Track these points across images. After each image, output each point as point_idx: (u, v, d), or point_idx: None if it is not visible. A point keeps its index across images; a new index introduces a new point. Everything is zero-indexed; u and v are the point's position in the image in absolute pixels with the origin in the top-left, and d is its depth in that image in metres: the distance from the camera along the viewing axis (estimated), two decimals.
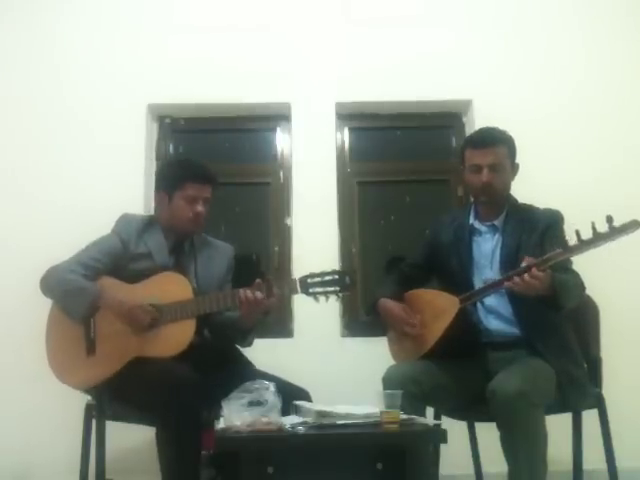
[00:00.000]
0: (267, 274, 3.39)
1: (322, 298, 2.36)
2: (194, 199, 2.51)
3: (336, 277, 2.37)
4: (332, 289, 2.36)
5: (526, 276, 2.13)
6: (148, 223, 2.60)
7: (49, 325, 2.49)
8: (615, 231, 2.06)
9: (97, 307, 2.40)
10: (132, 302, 2.37)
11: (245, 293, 2.34)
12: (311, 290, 2.36)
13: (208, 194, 2.55)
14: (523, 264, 2.17)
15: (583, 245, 2.11)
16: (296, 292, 2.38)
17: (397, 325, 2.46)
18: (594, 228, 2.07)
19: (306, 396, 2.43)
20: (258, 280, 2.37)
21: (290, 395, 2.32)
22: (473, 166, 2.44)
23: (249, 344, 2.57)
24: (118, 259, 2.50)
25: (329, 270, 2.38)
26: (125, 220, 2.59)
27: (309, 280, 2.36)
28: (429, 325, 2.39)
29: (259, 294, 2.34)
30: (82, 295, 2.40)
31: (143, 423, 2.37)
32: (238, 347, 2.59)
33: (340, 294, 2.38)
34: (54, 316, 2.48)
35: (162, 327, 2.36)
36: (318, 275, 2.37)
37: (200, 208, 2.51)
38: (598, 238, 2.08)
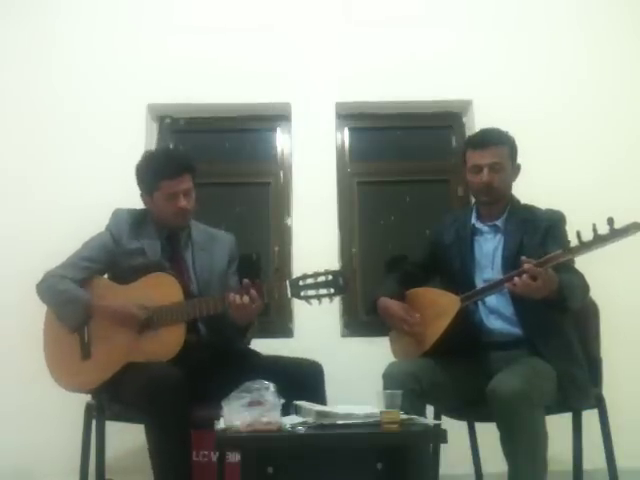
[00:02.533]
0: (263, 276, 3.41)
1: (315, 301, 2.30)
2: (174, 195, 2.48)
3: (330, 278, 2.28)
4: (325, 292, 2.28)
5: (525, 277, 2.13)
6: (141, 217, 2.59)
7: (46, 328, 2.51)
8: (616, 233, 2.06)
9: (89, 315, 2.41)
10: (121, 302, 2.38)
11: (234, 298, 2.31)
12: (302, 293, 2.29)
13: (187, 185, 2.50)
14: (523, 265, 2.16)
15: (583, 247, 2.11)
16: (286, 296, 2.32)
17: (396, 323, 2.47)
18: (595, 230, 2.07)
19: (318, 369, 2.44)
20: (246, 281, 2.34)
21: (303, 369, 2.38)
22: (474, 167, 2.45)
23: (247, 343, 2.57)
24: (111, 255, 2.51)
25: (322, 271, 2.30)
26: (117, 216, 2.59)
27: (300, 283, 2.30)
28: (430, 323, 2.39)
29: (246, 298, 2.30)
30: (73, 306, 2.41)
31: (142, 423, 2.37)
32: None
33: (333, 297, 2.30)
34: (50, 319, 2.50)
35: (153, 332, 2.36)
36: (310, 276, 2.30)
37: (182, 202, 2.48)
38: (599, 240, 2.07)
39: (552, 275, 2.15)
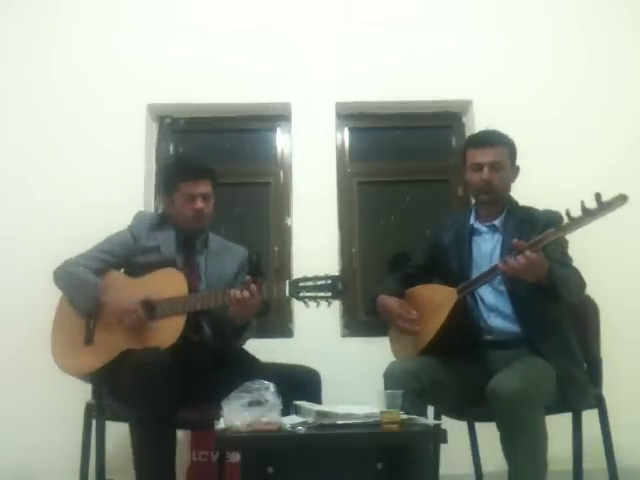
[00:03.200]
0: (264, 275, 3.41)
1: (312, 303, 2.32)
2: (192, 197, 2.55)
3: (328, 282, 2.32)
4: (323, 295, 2.31)
5: (520, 257, 2.14)
6: (161, 220, 2.67)
7: (56, 314, 2.55)
8: (603, 206, 2.07)
9: (101, 302, 2.45)
10: (125, 304, 2.40)
11: (235, 293, 2.35)
12: (301, 294, 2.32)
13: (205, 189, 2.57)
14: (514, 247, 2.17)
15: (574, 223, 2.12)
16: (285, 295, 2.35)
17: (394, 321, 2.48)
18: (583, 206, 2.08)
19: (316, 376, 2.46)
20: (248, 277, 2.39)
21: (300, 377, 2.40)
22: (474, 165, 2.46)
23: (243, 342, 2.60)
24: (129, 252, 2.58)
25: (322, 274, 2.34)
26: (139, 217, 2.68)
27: (300, 284, 2.33)
28: (428, 319, 2.40)
29: (246, 293, 2.34)
30: (84, 288, 2.48)
31: (132, 415, 2.37)
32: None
33: (331, 300, 2.33)
34: (62, 305, 2.55)
35: (154, 322, 2.39)
36: (310, 279, 2.34)
37: (199, 204, 2.55)
38: (587, 214, 2.08)
39: (542, 258, 2.15)
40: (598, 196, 2.07)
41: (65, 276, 2.53)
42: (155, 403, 2.17)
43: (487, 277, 2.33)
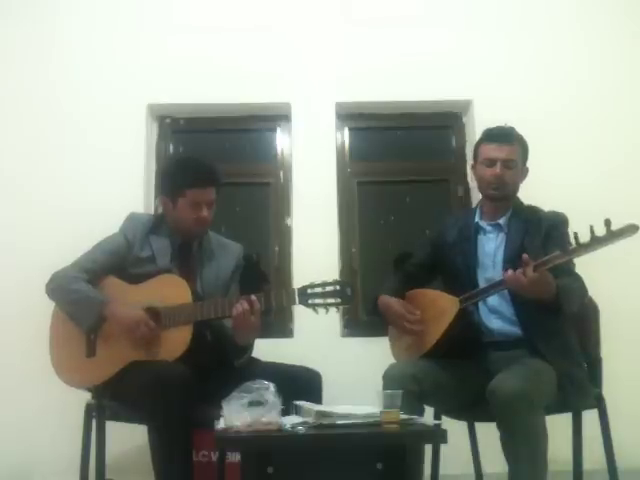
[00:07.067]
0: (267, 280, 3.40)
1: (321, 310, 2.31)
2: (197, 204, 2.47)
3: (337, 288, 2.31)
4: (332, 301, 2.30)
5: (521, 276, 2.13)
6: (155, 223, 2.59)
7: (53, 324, 2.51)
8: (613, 235, 2.05)
9: (104, 317, 2.39)
10: (133, 313, 2.35)
11: (242, 305, 2.32)
12: (310, 301, 2.31)
13: (211, 197, 2.49)
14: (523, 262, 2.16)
15: (581, 249, 2.10)
16: (294, 303, 2.33)
17: (397, 321, 2.47)
18: (592, 231, 2.06)
19: (317, 377, 2.45)
20: (253, 297, 2.35)
21: (301, 377, 2.39)
22: (487, 159, 2.45)
23: (241, 364, 2.51)
24: (122, 259, 2.51)
25: (330, 280, 2.33)
26: (132, 220, 2.58)
27: (309, 291, 2.32)
28: (430, 324, 2.39)
29: (246, 305, 2.31)
30: (89, 306, 2.40)
31: (142, 423, 2.37)
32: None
33: (340, 306, 2.33)
34: (57, 316, 2.50)
35: (160, 332, 2.35)
36: (318, 285, 2.32)
37: (204, 213, 2.47)
38: (596, 242, 2.06)
39: (550, 279, 2.15)
40: (608, 222, 2.04)
41: (62, 292, 2.45)
42: (176, 414, 2.15)
43: (492, 290, 2.32)
